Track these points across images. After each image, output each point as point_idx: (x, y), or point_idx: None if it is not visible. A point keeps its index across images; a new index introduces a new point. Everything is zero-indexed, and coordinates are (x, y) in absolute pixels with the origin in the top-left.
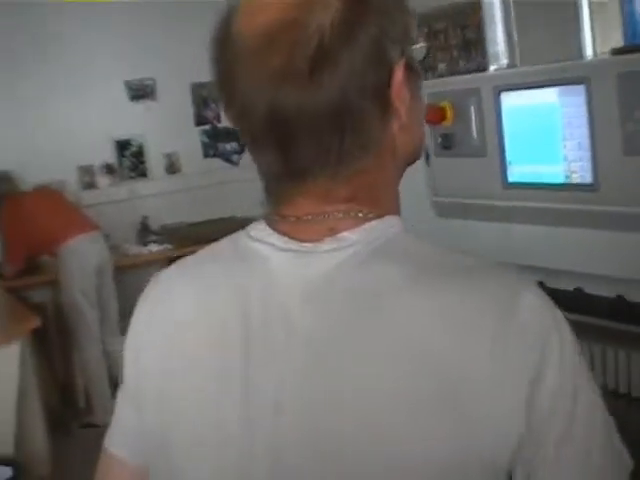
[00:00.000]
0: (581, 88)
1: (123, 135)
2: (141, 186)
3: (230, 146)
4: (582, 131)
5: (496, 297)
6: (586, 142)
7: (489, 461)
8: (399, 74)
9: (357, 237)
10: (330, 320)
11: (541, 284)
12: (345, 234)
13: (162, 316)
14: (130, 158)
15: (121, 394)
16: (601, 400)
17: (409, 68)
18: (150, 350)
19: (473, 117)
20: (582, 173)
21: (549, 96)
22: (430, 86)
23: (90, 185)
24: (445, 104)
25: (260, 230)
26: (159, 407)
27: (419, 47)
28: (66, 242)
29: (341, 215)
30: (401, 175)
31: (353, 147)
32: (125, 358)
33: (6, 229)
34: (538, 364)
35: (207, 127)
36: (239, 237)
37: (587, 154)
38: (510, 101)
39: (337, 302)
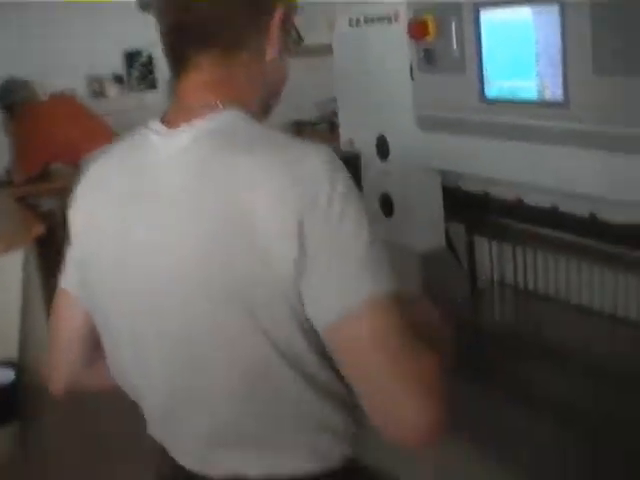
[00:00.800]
0: (555, 7)
1: (133, 45)
2: (150, 97)
3: None
4: (554, 49)
5: (287, 159)
6: (558, 59)
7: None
8: (279, 14)
9: (201, 122)
10: (177, 184)
11: (520, 201)
12: (196, 121)
13: (91, 187)
14: (139, 68)
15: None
16: (367, 234)
17: (287, 17)
18: (82, 212)
19: (454, 32)
20: (554, 90)
21: (525, 14)
22: (414, 1)
23: (99, 94)
24: (427, 18)
25: (155, 120)
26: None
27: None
28: (90, 153)
29: (198, 102)
30: (269, 99)
31: (230, 40)
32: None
33: (26, 136)
34: (307, 207)
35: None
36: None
37: (559, 71)
38: (489, 17)
39: (182, 171)
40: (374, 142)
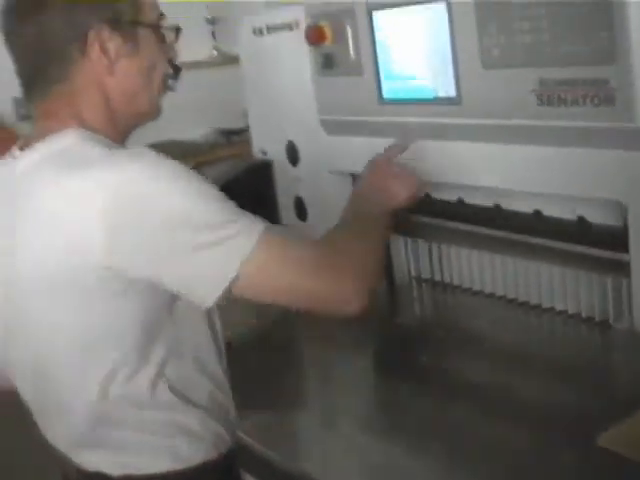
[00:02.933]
0: (442, 5)
1: None
2: None
3: None
4: (445, 47)
5: (102, 176)
6: (449, 58)
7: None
8: (92, 35)
9: (42, 145)
10: (16, 204)
11: (427, 195)
12: (37, 144)
13: None
14: None
15: None
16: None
17: (115, 30)
18: None
19: (349, 37)
20: (446, 87)
21: (415, 14)
22: (311, 7)
23: (26, 117)
24: (324, 24)
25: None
26: None
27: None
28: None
29: (46, 129)
30: (132, 115)
31: (52, 73)
32: None
33: None
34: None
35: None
36: None
37: (450, 69)
38: (381, 20)
39: (16, 193)
40: (284, 149)
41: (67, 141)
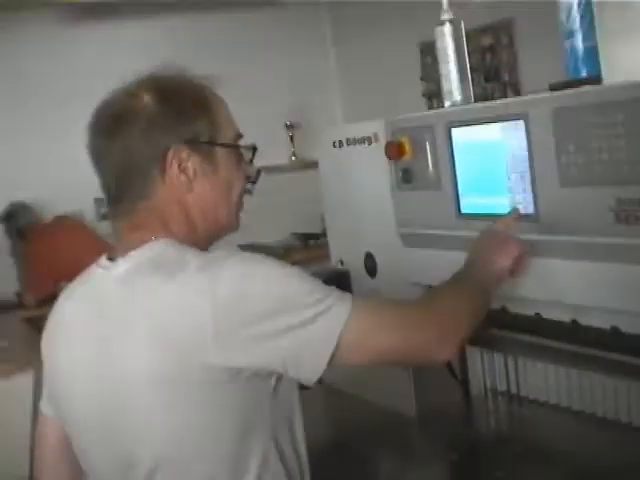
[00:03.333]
0: (521, 123)
1: None
2: None
3: None
4: (524, 164)
5: (202, 280)
6: (527, 175)
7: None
8: (170, 154)
9: (135, 253)
10: (113, 313)
11: (503, 309)
12: (131, 252)
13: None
14: None
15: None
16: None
17: (194, 150)
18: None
19: (429, 152)
20: (525, 204)
21: (494, 131)
22: (392, 123)
23: (106, 216)
24: (403, 140)
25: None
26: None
27: (245, 146)
28: None
29: (136, 240)
30: (213, 228)
31: (137, 190)
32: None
33: (32, 259)
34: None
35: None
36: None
37: (528, 186)
38: (460, 137)
39: (113, 302)
40: (362, 259)
41: (159, 248)
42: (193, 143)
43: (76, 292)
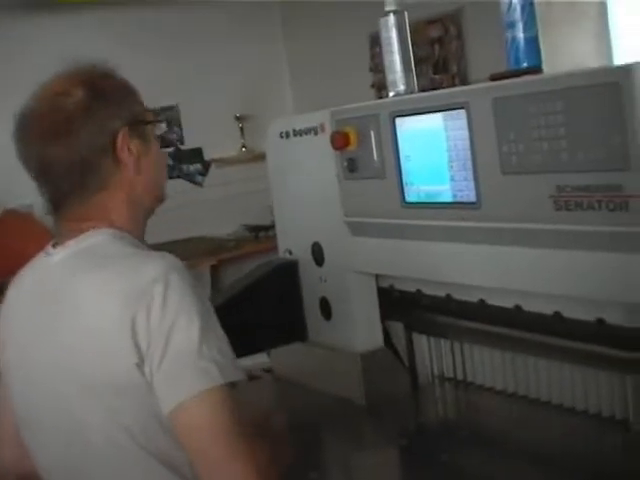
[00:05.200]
0: (462, 112)
1: None
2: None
3: (194, 167)
4: (465, 153)
5: (128, 270)
6: (469, 163)
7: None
8: (120, 138)
9: (72, 243)
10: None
11: (448, 296)
12: (68, 242)
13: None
14: None
15: None
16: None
17: (133, 131)
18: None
19: (373, 141)
20: (467, 192)
21: (436, 121)
22: (337, 113)
23: None
24: (349, 129)
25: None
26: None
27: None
28: None
29: (75, 230)
30: (151, 204)
31: (91, 185)
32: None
33: None
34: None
35: (170, 149)
36: None
37: (470, 174)
38: (403, 126)
39: (50, 288)
40: (310, 249)
41: (96, 239)
42: (132, 124)
43: (23, 278)
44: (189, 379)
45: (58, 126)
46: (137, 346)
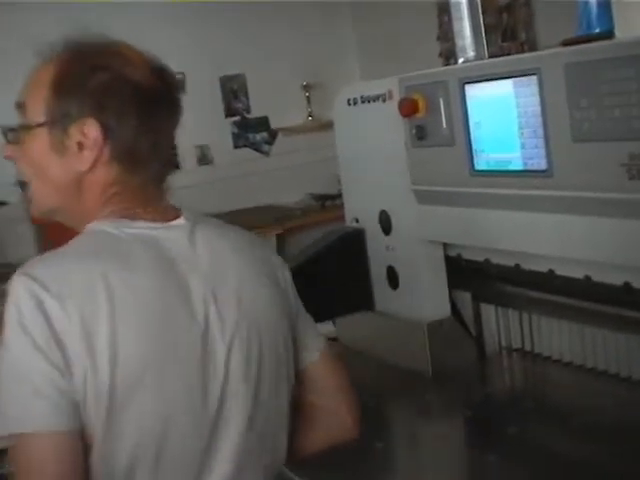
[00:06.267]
0: (534, 79)
1: None
2: (174, 178)
3: (260, 136)
4: (536, 120)
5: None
6: (540, 131)
7: None
8: None
9: (183, 218)
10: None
11: (517, 266)
12: (177, 218)
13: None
14: None
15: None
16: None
17: None
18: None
19: (442, 109)
20: (537, 160)
21: (506, 87)
22: (405, 80)
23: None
24: (417, 96)
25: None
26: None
27: None
28: None
29: (166, 208)
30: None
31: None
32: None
33: None
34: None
35: (237, 118)
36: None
37: (541, 142)
38: (473, 93)
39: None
40: (377, 217)
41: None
42: None
43: (133, 259)
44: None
45: (179, 103)
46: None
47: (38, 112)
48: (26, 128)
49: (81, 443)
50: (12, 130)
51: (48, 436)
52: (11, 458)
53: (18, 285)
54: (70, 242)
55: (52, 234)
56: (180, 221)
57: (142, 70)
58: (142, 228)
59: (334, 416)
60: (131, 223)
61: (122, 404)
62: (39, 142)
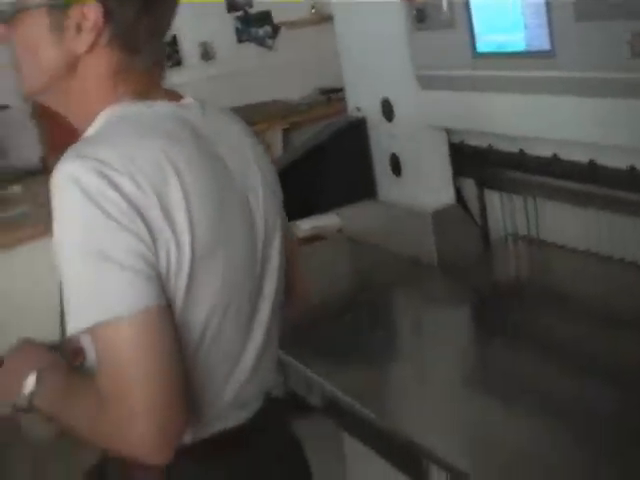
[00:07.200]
0: None
1: None
2: (177, 74)
3: (263, 30)
4: None
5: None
6: (542, 10)
7: None
8: None
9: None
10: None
11: (521, 151)
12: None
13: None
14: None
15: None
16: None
17: None
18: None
19: None
20: (540, 40)
21: None
22: None
23: None
24: None
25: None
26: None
27: None
28: None
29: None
30: None
31: None
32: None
33: (54, 122)
34: None
35: (239, 13)
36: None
37: (544, 21)
38: None
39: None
40: (379, 105)
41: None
42: None
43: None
44: None
45: None
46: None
47: None
48: (24, 7)
49: (172, 316)
50: (7, 9)
51: (150, 311)
52: (103, 346)
53: (77, 169)
54: (100, 126)
55: (57, 135)
56: (190, 100)
57: None
58: (167, 107)
59: (294, 293)
60: (153, 103)
61: (199, 271)
62: (36, 22)
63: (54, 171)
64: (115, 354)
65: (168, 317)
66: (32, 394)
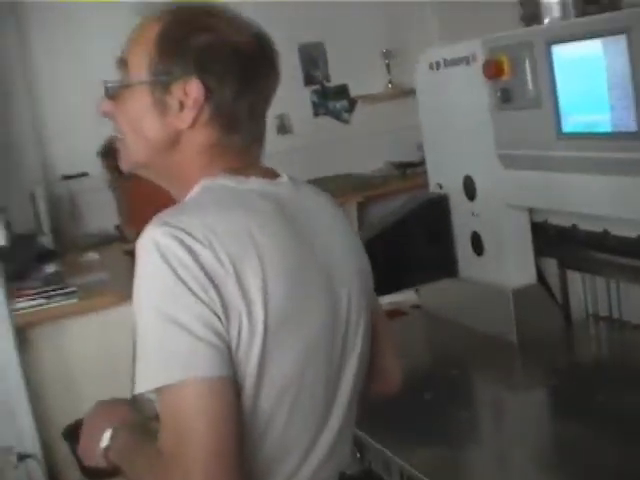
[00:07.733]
0: (622, 38)
1: None
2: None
3: (340, 104)
4: (626, 80)
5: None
6: (630, 91)
7: None
8: None
9: (285, 177)
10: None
11: (605, 232)
12: (279, 176)
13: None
14: None
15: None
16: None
17: None
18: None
19: (528, 70)
20: (627, 121)
21: (594, 47)
22: (489, 41)
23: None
24: (502, 58)
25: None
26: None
27: None
28: None
29: (266, 170)
30: None
31: None
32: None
33: (133, 193)
34: None
35: (316, 87)
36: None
37: (631, 103)
38: (560, 53)
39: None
40: (461, 183)
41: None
42: None
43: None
44: None
45: (278, 68)
46: None
47: (141, 69)
48: (128, 85)
49: (236, 389)
50: (112, 86)
51: (214, 381)
52: (165, 408)
53: (160, 235)
54: (190, 197)
55: (133, 205)
56: (284, 179)
57: (244, 34)
58: (258, 184)
59: (386, 372)
60: (246, 179)
61: (272, 347)
62: (139, 99)
63: (140, 235)
64: (175, 417)
65: (232, 390)
66: (107, 449)
